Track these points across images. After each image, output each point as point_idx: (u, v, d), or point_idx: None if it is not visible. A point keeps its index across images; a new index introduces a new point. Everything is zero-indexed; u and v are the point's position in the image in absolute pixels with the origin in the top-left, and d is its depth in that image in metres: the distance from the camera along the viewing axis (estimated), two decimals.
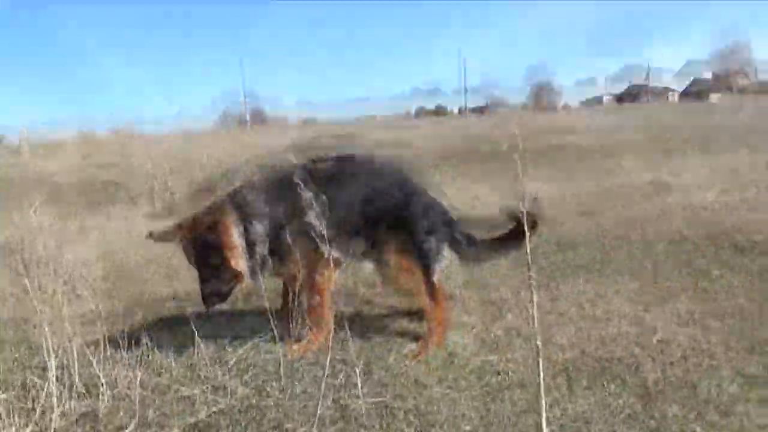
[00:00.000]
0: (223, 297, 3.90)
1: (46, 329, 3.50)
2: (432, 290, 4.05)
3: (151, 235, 3.99)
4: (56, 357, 3.42)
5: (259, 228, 3.87)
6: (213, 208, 3.89)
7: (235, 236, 3.80)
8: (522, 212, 3.81)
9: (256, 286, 4.07)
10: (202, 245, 3.79)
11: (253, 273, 3.88)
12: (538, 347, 1.31)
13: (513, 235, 4.17)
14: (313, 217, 3.86)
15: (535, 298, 2.08)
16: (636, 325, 4.23)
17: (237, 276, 3.84)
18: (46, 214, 9.31)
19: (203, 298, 3.87)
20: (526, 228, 2.56)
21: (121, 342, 3.94)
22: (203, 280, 3.85)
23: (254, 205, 3.90)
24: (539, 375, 1.72)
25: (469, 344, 4.05)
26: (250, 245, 3.84)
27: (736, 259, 5.58)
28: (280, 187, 3.99)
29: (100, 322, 4.13)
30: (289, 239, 3.80)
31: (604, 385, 3.51)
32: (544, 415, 1.64)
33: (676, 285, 5.03)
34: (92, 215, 9.70)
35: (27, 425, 3.15)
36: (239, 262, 3.81)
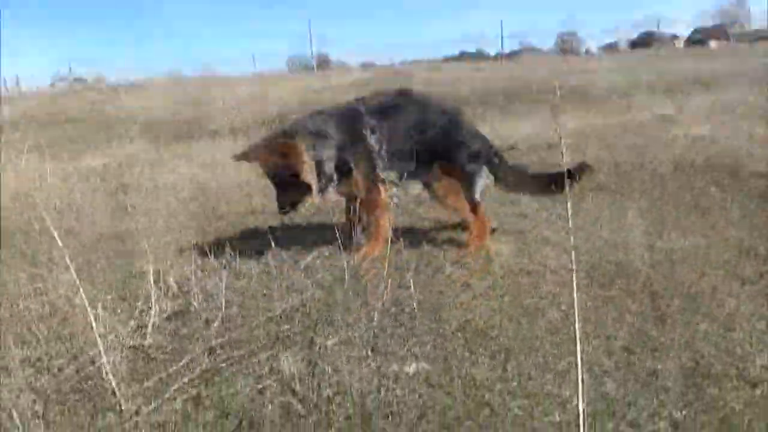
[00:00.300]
0: (294, 206, 3.94)
1: (145, 240, 3.55)
2: (473, 205, 4.08)
3: (235, 156, 4.02)
4: (152, 263, 3.46)
5: (326, 151, 3.84)
6: (288, 133, 3.87)
7: (306, 156, 3.78)
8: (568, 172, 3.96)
9: (323, 202, 4.09)
10: (278, 163, 3.78)
11: (320, 189, 3.87)
12: (572, 250, 1.26)
13: (554, 180, 4.22)
14: (372, 144, 3.86)
15: (570, 211, 2.03)
16: (645, 235, 4.22)
17: (307, 189, 3.83)
18: (139, 145, 9.44)
19: (279, 207, 3.94)
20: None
21: (207, 250, 3.99)
22: (279, 192, 3.89)
23: (322, 130, 3.87)
24: (573, 275, 1.66)
25: (505, 250, 4.05)
26: (318, 165, 3.82)
27: (730, 181, 5.58)
28: (345, 117, 3.97)
29: (189, 234, 4.18)
30: (351, 162, 3.79)
31: (618, 283, 3.50)
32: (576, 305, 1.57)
33: (679, 202, 5.02)
34: (178, 147, 9.75)
35: (129, 321, 3.21)
36: (309, 178, 3.79)
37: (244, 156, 3.96)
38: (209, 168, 7.95)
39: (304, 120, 4.02)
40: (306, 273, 3.81)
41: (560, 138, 2.00)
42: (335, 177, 3.89)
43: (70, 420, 2.49)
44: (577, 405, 1.46)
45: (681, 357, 2.79)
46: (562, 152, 2.07)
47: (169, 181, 7.11)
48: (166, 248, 3.76)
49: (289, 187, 3.84)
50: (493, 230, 4.27)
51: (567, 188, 2.58)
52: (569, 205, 2.07)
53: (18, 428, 2.31)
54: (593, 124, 9.46)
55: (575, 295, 1.36)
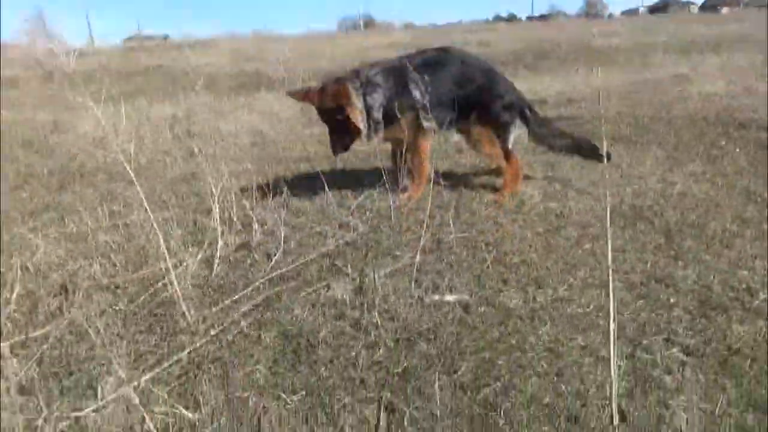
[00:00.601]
0: (346, 147, 3.87)
1: (210, 181, 3.54)
2: (506, 153, 3.99)
3: (290, 93, 3.98)
4: (218, 202, 3.46)
5: (375, 98, 3.76)
6: (341, 80, 3.80)
7: (356, 101, 3.71)
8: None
9: (370, 146, 4.03)
10: (332, 106, 3.71)
11: (368, 133, 3.81)
12: (607, 197, 1.20)
13: (578, 145, 4.18)
14: (416, 94, 3.78)
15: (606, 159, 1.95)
16: (661, 182, 4.12)
17: (357, 132, 3.77)
18: (203, 97, 9.43)
19: (332, 148, 3.88)
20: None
21: (267, 191, 3.98)
22: (332, 134, 3.83)
23: (372, 80, 3.79)
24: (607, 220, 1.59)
25: (535, 194, 3.97)
26: (368, 110, 3.75)
27: (739, 133, 5.44)
28: (392, 70, 3.88)
29: (250, 177, 4.17)
30: (397, 110, 3.72)
31: (636, 225, 3.43)
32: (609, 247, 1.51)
33: (692, 152, 4.90)
34: (238, 99, 9.72)
35: (198, 253, 3.23)
36: (359, 121, 3.73)
37: (301, 96, 3.89)
38: (267, 118, 7.93)
39: (356, 70, 3.94)
40: (356, 212, 3.78)
41: (601, 112, 1.91)
42: (382, 123, 3.82)
43: (147, 338, 2.53)
44: (608, 325, 1.40)
45: (692, 291, 2.75)
46: (602, 119, 1.97)
47: (231, 129, 7.11)
48: (230, 189, 3.75)
49: (340, 129, 3.77)
50: (525, 176, 4.18)
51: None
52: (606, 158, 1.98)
53: (104, 343, 2.35)
54: (615, 81, 9.27)
55: (608, 229, 1.31)
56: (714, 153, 4.84)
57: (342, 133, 3.78)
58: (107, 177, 5.30)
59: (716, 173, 4.31)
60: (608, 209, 1.31)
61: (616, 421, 1.69)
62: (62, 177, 5.43)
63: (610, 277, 1.13)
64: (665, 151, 5.00)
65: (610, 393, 1.19)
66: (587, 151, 4.13)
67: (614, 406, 1.49)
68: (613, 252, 3.12)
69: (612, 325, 1.15)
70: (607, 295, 2.67)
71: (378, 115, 3.78)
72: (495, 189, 4.10)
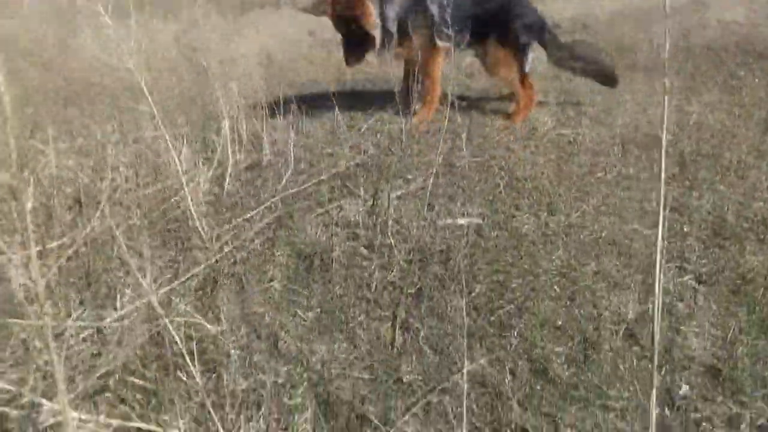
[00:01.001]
0: (359, 59, 3.77)
1: (220, 98, 3.47)
2: (522, 77, 3.88)
3: (303, 8, 3.86)
4: (228, 120, 3.40)
5: (390, 10, 3.62)
6: None
7: (372, 10, 3.58)
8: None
9: (383, 61, 3.91)
10: (347, 15, 3.60)
11: (382, 45, 3.69)
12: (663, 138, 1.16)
13: (600, 70, 4.12)
14: (432, 10, 3.66)
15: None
16: (678, 111, 4.03)
17: (371, 42, 3.65)
18: (207, 14, 9.13)
19: (345, 59, 3.80)
20: None
21: (277, 111, 3.90)
22: (346, 44, 3.74)
23: None
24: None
25: (548, 121, 3.89)
26: (383, 21, 3.62)
27: (758, 63, 5.22)
28: None
29: (260, 97, 4.09)
30: (411, 27, 3.61)
31: (651, 154, 3.39)
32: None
33: (710, 81, 4.75)
34: (243, 18, 9.43)
35: (209, 171, 3.20)
36: (374, 29, 3.61)
37: (313, 8, 3.77)
38: (274, 38, 7.71)
39: None
40: (366, 134, 3.72)
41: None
42: (396, 37, 3.70)
43: (162, 253, 2.53)
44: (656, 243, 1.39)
45: (706, 220, 2.74)
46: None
47: (238, 48, 6.92)
48: (239, 108, 3.68)
49: (355, 39, 3.65)
50: (538, 102, 4.09)
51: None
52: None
53: (120, 256, 2.35)
54: (631, 5, 8.99)
55: (662, 158, 1.27)
56: (732, 83, 4.71)
57: (356, 43, 3.67)
58: (115, 93, 5.19)
59: (733, 103, 4.21)
60: (664, 138, 1.26)
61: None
62: (68, 92, 5.32)
63: (661, 215, 1.11)
64: (681, 79, 4.84)
65: (653, 330, 1.19)
66: (607, 77, 4.03)
67: (656, 342, 1.49)
68: (627, 180, 3.11)
69: (660, 243, 1.14)
70: (625, 222, 2.68)
71: (393, 27, 3.65)
72: (507, 114, 4.02)
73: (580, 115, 4.01)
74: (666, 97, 1.28)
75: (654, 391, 1.16)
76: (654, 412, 1.16)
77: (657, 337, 1.07)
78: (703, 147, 3.47)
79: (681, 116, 3.95)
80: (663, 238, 1.18)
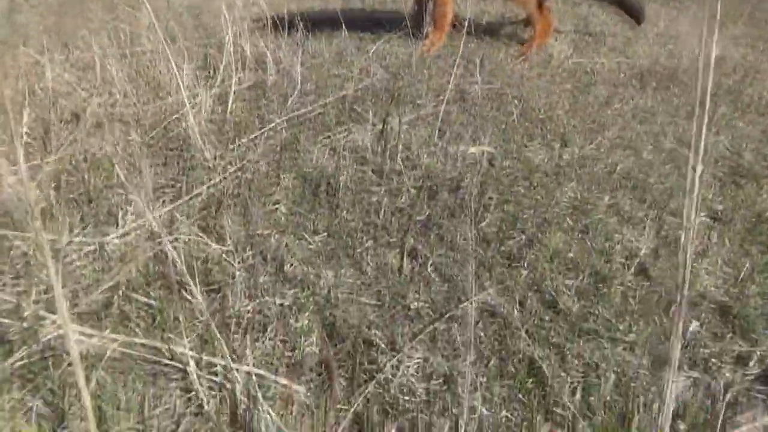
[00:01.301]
0: None
1: (224, 11, 3.35)
2: (540, 3, 3.74)
3: None
4: (230, 36, 3.28)
5: None
6: None
7: None
8: None
9: None
10: None
11: None
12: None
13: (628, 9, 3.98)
14: None
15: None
16: (698, 44, 3.92)
17: None
18: None
19: None
20: None
21: (281, 29, 3.78)
22: None
23: None
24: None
25: (565, 49, 3.77)
26: None
27: None
28: None
29: (264, 15, 3.95)
30: None
31: (669, 87, 3.32)
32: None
33: (733, 14, 4.58)
34: None
35: (212, 88, 3.12)
36: None
37: None
38: None
39: None
40: (375, 57, 3.61)
41: None
42: None
43: (164, 171, 2.49)
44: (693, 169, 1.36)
45: (723, 157, 2.70)
46: None
47: None
48: (243, 26, 3.55)
49: None
50: (555, 30, 3.97)
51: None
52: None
53: (120, 174, 2.31)
54: None
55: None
56: (758, 16, 4.59)
57: None
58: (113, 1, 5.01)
59: (757, 37, 4.11)
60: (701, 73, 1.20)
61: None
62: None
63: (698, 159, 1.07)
64: (704, 12, 4.72)
65: (683, 281, 1.17)
66: (635, 11, 3.90)
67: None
68: (643, 113, 3.04)
69: (699, 169, 1.10)
70: (640, 156, 2.64)
71: None
72: (522, 42, 3.90)
73: (599, 45, 3.90)
74: (706, 30, 1.20)
75: (679, 324, 1.14)
76: (678, 346, 1.15)
77: (686, 268, 1.05)
78: (724, 82, 3.40)
79: (702, 50, 3.85)
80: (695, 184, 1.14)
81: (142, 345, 1.59)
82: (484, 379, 1.61)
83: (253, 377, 1.46)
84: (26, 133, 2.48)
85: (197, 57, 3.68)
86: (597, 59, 3.65)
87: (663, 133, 2.86)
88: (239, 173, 2.48)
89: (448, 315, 1.80)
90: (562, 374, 1.63)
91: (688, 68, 3.55)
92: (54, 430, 1.40)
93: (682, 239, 1.10)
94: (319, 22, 4.35)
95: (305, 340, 1.68)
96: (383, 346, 1.69)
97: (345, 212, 2.26)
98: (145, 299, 1.76)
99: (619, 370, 1.65)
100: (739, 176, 2.59)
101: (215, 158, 2.56)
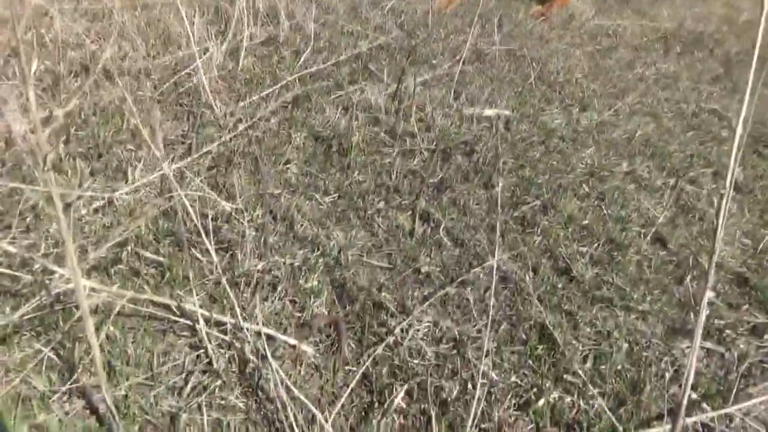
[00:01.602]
0: None
1: None
2: None
3: None
4: None
5: None
6: None
7: None
8: None
9: None
10: None
11: None
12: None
13: None
14: None
15: None
16: (727, 7, 3.81)
17: None
18: None
19: None
20: None
21: None
22: None
23: None
24: None
25: (587, 10, 3.68)
26: None
27: None
28: None
29: None
30: None
31: (693, 53, 3.25)
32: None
33: None
34: None
35: (224, 43, 3.07)
36: None
37: None
38: None
39: None
40: (390, 15, 3.54)
41: None
42: None
43: (174, 127, 2.47)
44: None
45: (746, 122, 2.65)
46: None
47: None
48: None
49: None
50: None
51: None
52: None
53: (130, 128, 2.30)
54: None
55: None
56: None
57: None
58: None
59: None
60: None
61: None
62: None
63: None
64: None
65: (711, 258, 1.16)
66: None
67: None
68: (666, 79, 2.99)
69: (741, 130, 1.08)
70: (660, 123, 2.60)
71: None
72: (543, 1, 3.82)
73: (623, 6, 3.80)
74: None
75: (706, 294, 1.14)
76: (704, 315, 1.14)
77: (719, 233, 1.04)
78: (751, 48, 3.31)
79: (730, 12, 3.76)
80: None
81: (152, 301, 1.60)
82: (495, 345, 1.61)
83: (263, 336, 1.46)
84: (35, 84, 2.46)
85: (208, 10, 3.63)
86: (620, 21, 3.56)
87: (685, 100, 2.81)
88: (250, 131, 2.46)
89: (459, 279, 1.79)
90: (574, 342, 1.63)
91: (713, 33, 3.47)
92: (64, 383, 1.42)
93: (715, 204, 1.08)
94: None
95: (314, 301, 1.69)
96: (393, 308, 1.69)
97: (356, 173, 2.24)
98: (154, 256, 1.77)
99: (631, 339, 1.65)
100: (763, 145, 2.55)
101: (225, 115, 2.53)
